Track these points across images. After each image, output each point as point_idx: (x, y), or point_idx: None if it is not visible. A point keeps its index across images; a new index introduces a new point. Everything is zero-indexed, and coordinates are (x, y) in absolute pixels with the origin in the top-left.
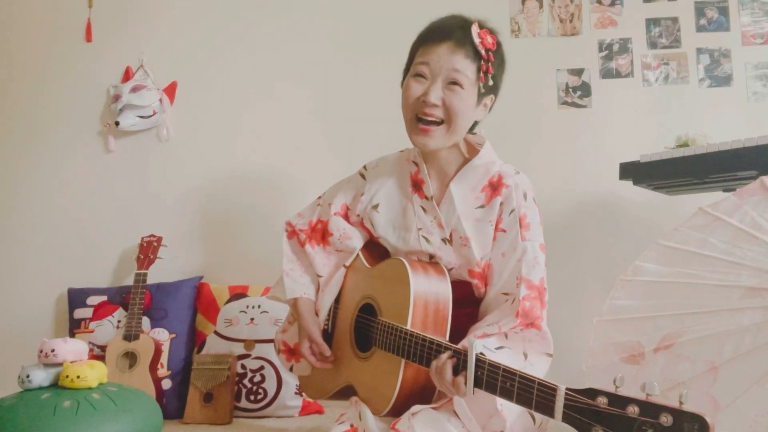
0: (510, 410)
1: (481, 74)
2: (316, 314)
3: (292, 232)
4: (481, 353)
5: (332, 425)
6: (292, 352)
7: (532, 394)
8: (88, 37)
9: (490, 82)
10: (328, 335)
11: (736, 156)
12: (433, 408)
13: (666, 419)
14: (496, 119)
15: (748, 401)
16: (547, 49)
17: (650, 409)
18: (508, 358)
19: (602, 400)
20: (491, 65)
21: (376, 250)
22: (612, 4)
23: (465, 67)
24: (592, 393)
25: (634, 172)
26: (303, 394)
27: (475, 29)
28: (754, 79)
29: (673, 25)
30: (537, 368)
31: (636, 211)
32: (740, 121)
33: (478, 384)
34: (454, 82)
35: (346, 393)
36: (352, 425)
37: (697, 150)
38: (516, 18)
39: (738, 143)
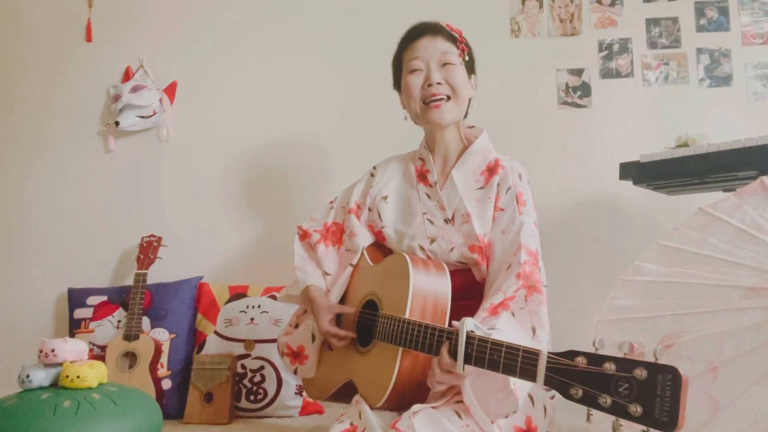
0: (521, 388)
1: (460, 52)
2: None
3: (303, 235)
4: (471, 331)
5: (332, 424)
6: (296, 355)
7: (517, 362)
8: (88, 37)
9: (467, 58)
10: None
11: (736, 156)
12: (433, 407)
13: (641, 373)
14: (496, 119)
15: (748, 401)
16: (547, 49)
17: (626, 364)
18: (517, 335)
19: (581, 360)
20: (465, 45)
21: (380, 250)
22: (612, 4)
23: (449, 48)
24: (572, 354)
25: (634, 172)
26: (303, 393)
27: (442, 23)
28: (754, 79)
29: (673, 25)
30: (543, 343)
31: (636, 211)
32: (740, 121)
33: (468, 360)
34: (447, 62)
35: (347, 392)
36: (351, 424)
37: (697, 150)
38: (516, 18)
39: (738, 143)
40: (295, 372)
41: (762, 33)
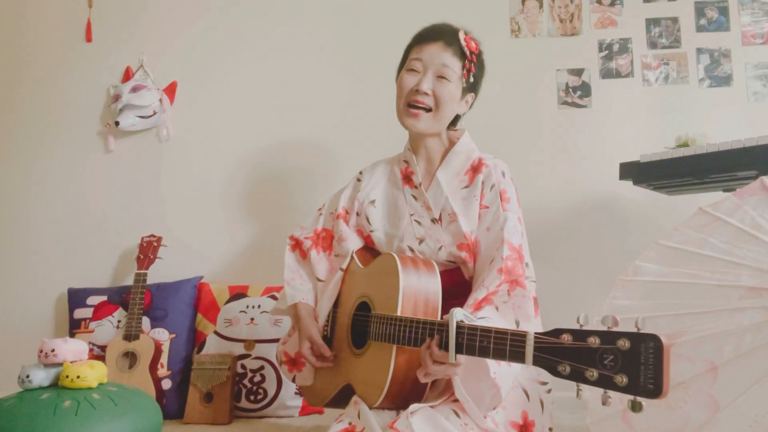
0: (504, 378)
1: (464, 71)
2: (315, 319)
3: (294, 245)
4: (461, 321)
5: (331, 424)
6: (294, 363)
7: (506, 346)
8: (88, 37)
9: (471, 80)
10: (327, 340)
11: (736, 156)
12: (431, 406)
13: (624, 343)
14: (496, 119)
15: (748, 401)
16: (547, 49)
17: (609, 337)
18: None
19: (566, 337)
20: (473, 66)
21: (369, 253)
22: (612, 4)
23: (452, 64)
24: (557, 332)
25: (634, 172)
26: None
27: (461, 35)
28: (754, 79)
29: (673, 25)
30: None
31: (636, 211)
32: (740, 121)
33: (459, 350)
34: (443, 76)
35: (345, 396)
36: (350, 423)
37: (697, 150)
38: (516, 18)
39: (738, 143)
40: (294, 380)
41: (762, 33)
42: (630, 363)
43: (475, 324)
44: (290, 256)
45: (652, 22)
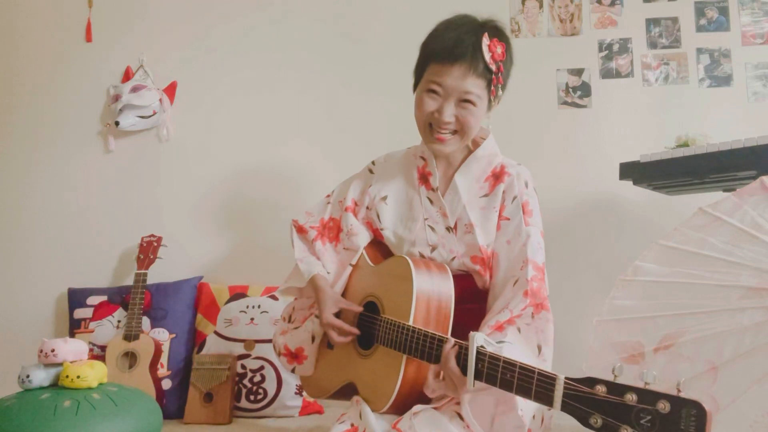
0: (528, 411)
1: (492, 88)
2: None
3: (300, 229)
4: (482, 346)
5: (332, 425)
6: (294, 356)
7: (532, 384)
8: (88, 37)
9: (500, 92)
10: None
11: (736, 156)
12: (435, 408)
13: (664, 406)
14: (496, 120)
15: (748, 401)
16: (547, 49)
17: (648, 396)
18: (521, 353)
19: (601, 389)
20: (501, 75)
21: (379, 249)
22: (612, 4)
23: (476, 87)
24: (591, 382)
25: (634, 172)
26: (303, 393)
27: (485, 42)
28: (754, 79)
29: (673, 25)
30: (548, 362)
31: (636, 211)
32: (740, 121)
33: (478, 376)
34: (467, 101)
35: (347, 392)
36: (352, 424)
37: (697, 150)
38: (516, 18)
39: (738, 143)
40: (293, 371)
41: (762, 33)
42: (669, 427)
43: (497, 353)
44: (298, 237)
45: (652, 22)
